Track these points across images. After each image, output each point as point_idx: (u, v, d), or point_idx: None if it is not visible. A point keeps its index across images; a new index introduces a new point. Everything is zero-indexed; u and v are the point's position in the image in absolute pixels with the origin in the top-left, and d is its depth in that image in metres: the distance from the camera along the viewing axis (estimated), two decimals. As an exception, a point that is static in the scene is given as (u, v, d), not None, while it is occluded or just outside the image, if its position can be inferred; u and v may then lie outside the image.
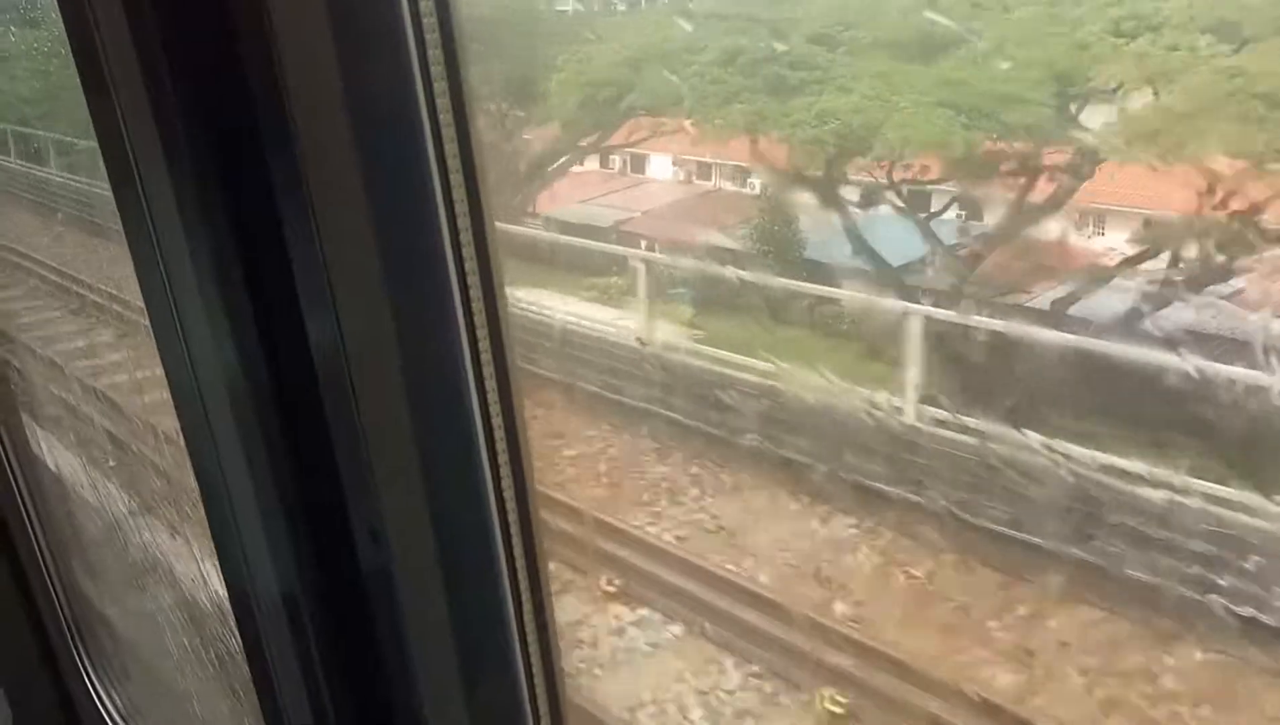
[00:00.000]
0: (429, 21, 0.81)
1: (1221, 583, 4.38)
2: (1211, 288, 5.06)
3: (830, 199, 6.78)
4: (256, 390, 1.05)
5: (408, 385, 0.94)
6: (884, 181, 6.65)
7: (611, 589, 5.73)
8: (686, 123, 7.76)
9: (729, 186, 7.77)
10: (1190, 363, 4.42)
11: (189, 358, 1.08)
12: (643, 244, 7.80)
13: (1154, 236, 5.54)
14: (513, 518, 0.98)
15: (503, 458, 0.95)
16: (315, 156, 0.87)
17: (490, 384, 0.92)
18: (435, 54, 0.82)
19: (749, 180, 7.51)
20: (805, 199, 7.01)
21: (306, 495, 1.09)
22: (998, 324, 5.48)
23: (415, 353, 0.92)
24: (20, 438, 2.70)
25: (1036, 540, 4.94)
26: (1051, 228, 5.93)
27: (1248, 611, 4.27)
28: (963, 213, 6.65)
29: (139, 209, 1.04)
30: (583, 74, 8.03)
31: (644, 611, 5.60)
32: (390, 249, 0.88)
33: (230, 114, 0.92)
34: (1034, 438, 4.80)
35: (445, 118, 0.84)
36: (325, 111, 0.85)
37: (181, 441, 1.25)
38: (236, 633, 1.36)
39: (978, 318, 5.58)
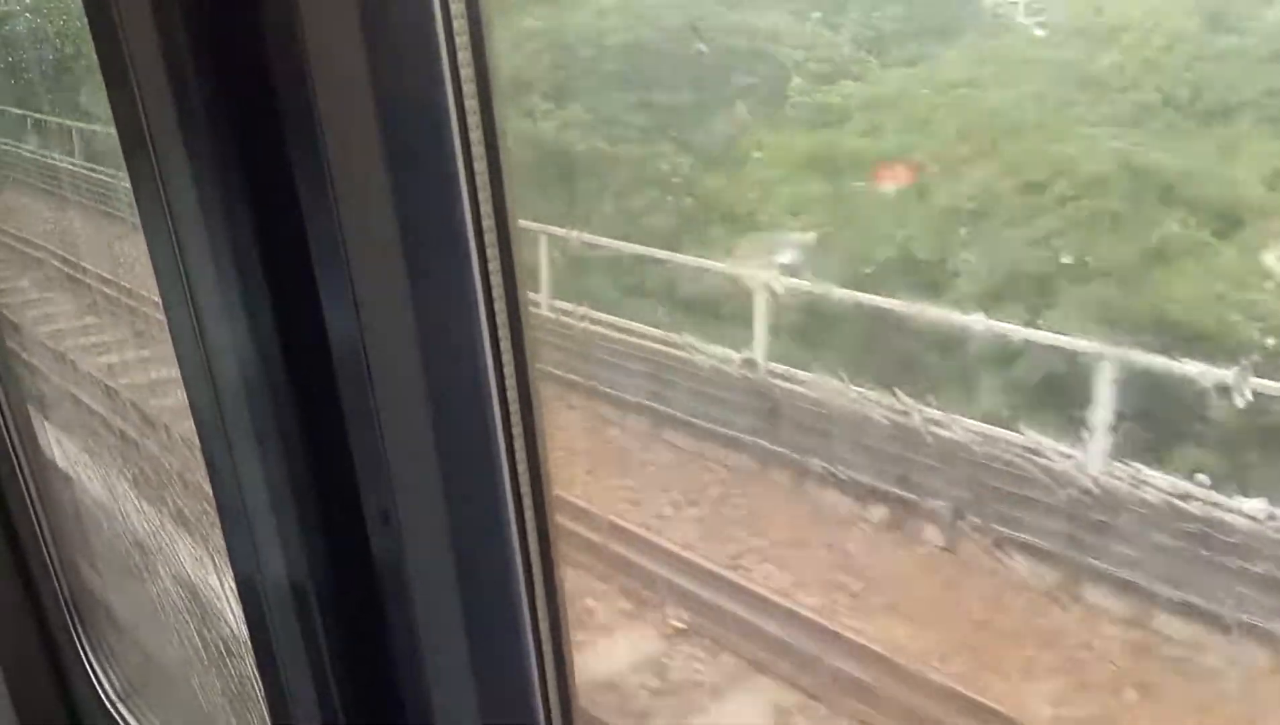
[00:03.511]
0: (457, 8, 0.81)
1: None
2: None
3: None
4: (269, 373, 1.05)
5: (425, 372, 0.94)
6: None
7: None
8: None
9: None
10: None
11: (201, 340, 1.08)
12: None
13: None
14: (528, 509, 0.98)
15: (519, 448, 0.95)
16: (339, 147, 0.87)
17: (509, 372, 0.93)
18: (463, 40, 0.82)
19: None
20: None
21: (318, 481, 1.09)
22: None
23: (433, 341, 0.92)
24: (26, 427, 2.71)
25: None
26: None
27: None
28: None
29: (157, 197, 1.04)
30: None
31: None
32: (412, 240, 0.88)
33: (253, 103, 0.93)
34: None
35: (471, 105, 0.84)
36: (350, 102, 0.85)
37: (190, 423, 1.25)
38: (242, 619, 1.35)
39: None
